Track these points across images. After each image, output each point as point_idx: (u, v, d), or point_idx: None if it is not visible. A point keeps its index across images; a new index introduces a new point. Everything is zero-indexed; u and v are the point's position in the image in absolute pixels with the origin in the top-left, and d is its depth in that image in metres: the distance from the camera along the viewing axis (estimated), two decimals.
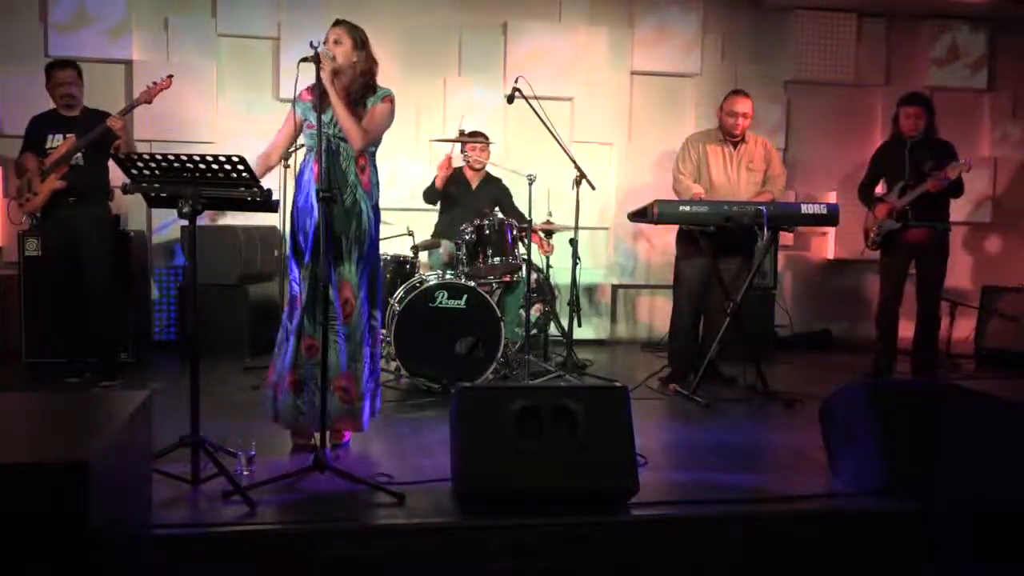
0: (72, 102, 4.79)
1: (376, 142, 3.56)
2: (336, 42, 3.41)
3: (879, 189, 5.44)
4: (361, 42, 3.47)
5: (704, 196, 4.92)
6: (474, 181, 5.58)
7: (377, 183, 3.60)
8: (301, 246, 3.43)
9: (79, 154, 4.67)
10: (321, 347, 3.14)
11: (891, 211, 5.15)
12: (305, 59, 3.19)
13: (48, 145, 4.73)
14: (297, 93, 3.43)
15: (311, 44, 3.22)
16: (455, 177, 5.62)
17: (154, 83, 4.58)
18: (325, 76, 3.27)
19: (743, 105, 4.93)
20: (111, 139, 4.60)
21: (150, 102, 4.63)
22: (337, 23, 3.50)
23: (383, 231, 5.69)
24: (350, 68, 3.43)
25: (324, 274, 3.14)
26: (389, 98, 3.55)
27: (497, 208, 5.13)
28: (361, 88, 3.48)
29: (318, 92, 3.18)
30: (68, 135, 4.71)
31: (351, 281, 3.43)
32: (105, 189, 4.84)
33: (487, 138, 5.56)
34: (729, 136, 4.99)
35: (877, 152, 5.45)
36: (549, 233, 5.29)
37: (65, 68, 4.80)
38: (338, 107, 3.36)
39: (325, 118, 3.30)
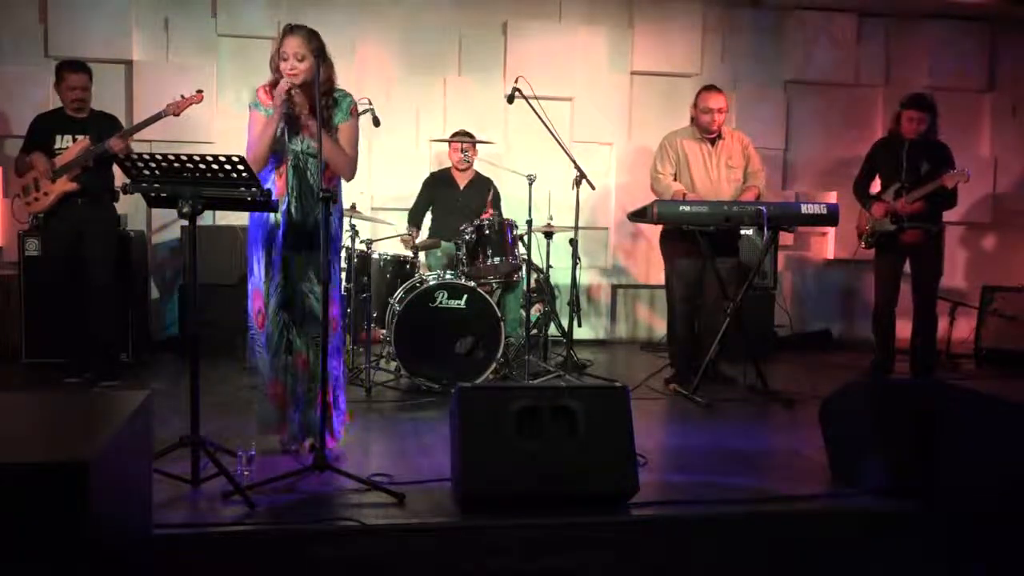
0: (82, 106, 4.79)
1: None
2: (300, 59, 3.23)
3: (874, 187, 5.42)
4: (320, 50, 3.24)
5: (685, 192, 4.90)
6: (462, 181, 5.58)
7: (340, 191, 3.53)
8: (259, 259, 3.37)
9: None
10: (321, 356, 3.13)
11: (887, 211, 5.13)
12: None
13: (57, 146, 4.72)
14: (256, 97, 3.36)
15: (288, 93, 3.20)
16: (442, 179, 5.62)
17: (183, 96, 4.50)
18: (305, 116, 3.27)
19: (716, 101, 4.88)
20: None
21: (178, 115, 4.57)
22: (292, 30, 3.28)
23: (383, 231, 5.77)
24: (312, 83, 3.22)
25: (325, 275, 3.14)
26: (354, 109, 3.43)
27: (483, 209, 5.09)
28: (324, 97, 3.28)
29: (283, 116, 3.20)
30: (79, 137, 4.71)
31: (334, 295, 3.44)
32: (112, 190, 4.84)
33: (473, 137, 5.56)
34: (705, 133, 4.95)
35: (873, 149, 5.42)
36: (549, 234, 5.28)
37: (78, 72, 4.77)
38: (331, 149, 3.29)
39: (297, 140, 3.32)
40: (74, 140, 4.71)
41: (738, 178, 4.99)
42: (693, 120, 4.99)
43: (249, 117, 3.39)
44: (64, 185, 4.67)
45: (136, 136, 4.92)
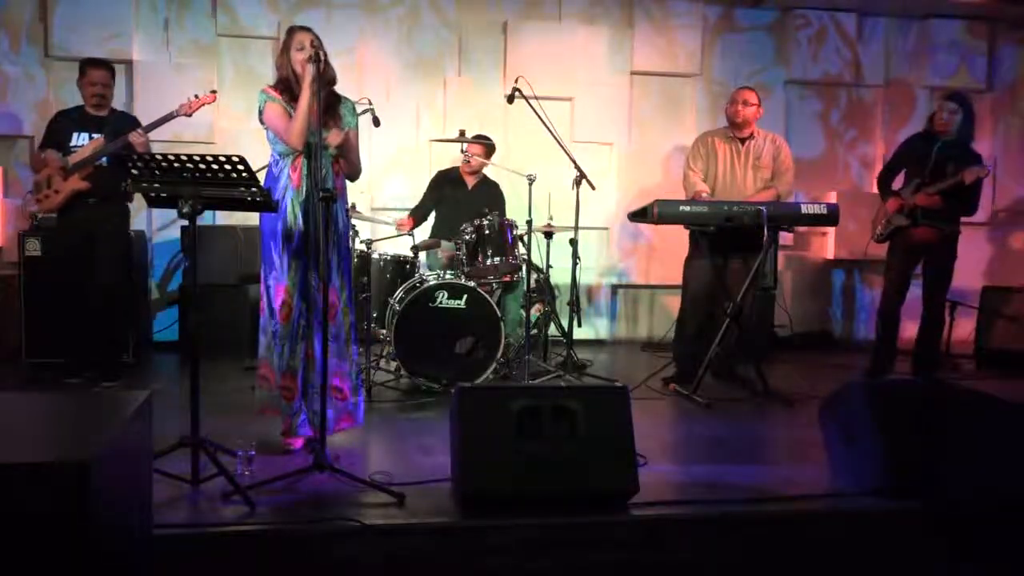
0: (102, 102, 4.78)
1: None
2: (315, 46, 3.31)
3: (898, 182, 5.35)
4: (324, 50, 3.38)
5: (709, 192, 4.92)
6: (470, 182, 5.57)
7: (345, 186, 3.64)
8: (275, 251, 3.41)
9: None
10: (322, 350, 3.15)
11: (901, 206, 5.09)
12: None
13: (72, 143, 4.70)
14: (267, 95, 3.43)
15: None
16: (451, 177, 5.62)
17: (196, 96, 4.50)
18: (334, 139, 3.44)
19: (744, 94, 4.97)
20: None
21: (190, 115, 4.55)
22: (300, 28, 3.43)
23: (383, 231, 5.76)
24: (323, 74, 3.32)
25: (325, 275, 3.14)
26: (356, 113, 3.60)
27: (485, 210, 5.08)
28: (329, 93, 3.45)
29: (319, 117, 3.21)
30: (95, 136, 4.69)
31: (335, 283, 3.47)
32: (126, 191, 4.83)
33: (487, 139, 5.56)
34: (733, 127, 4.99)
35: (905, 143, 5.34)
36: (549, 234, 5.28)
37: (100, 68, 4.78)
38: (354, 152, 3.52)
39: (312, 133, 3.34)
40: (90, 138, 4.70)
41: (766, 178, 5.01)
42: (727, 117, 5.08)
43: (266, 113, 3.43)
44: (75, 184, 4.66)
45: None
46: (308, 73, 3.27)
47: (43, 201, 4.71)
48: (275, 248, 3.41)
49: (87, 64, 4.81)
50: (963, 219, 5.15)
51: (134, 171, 2.97)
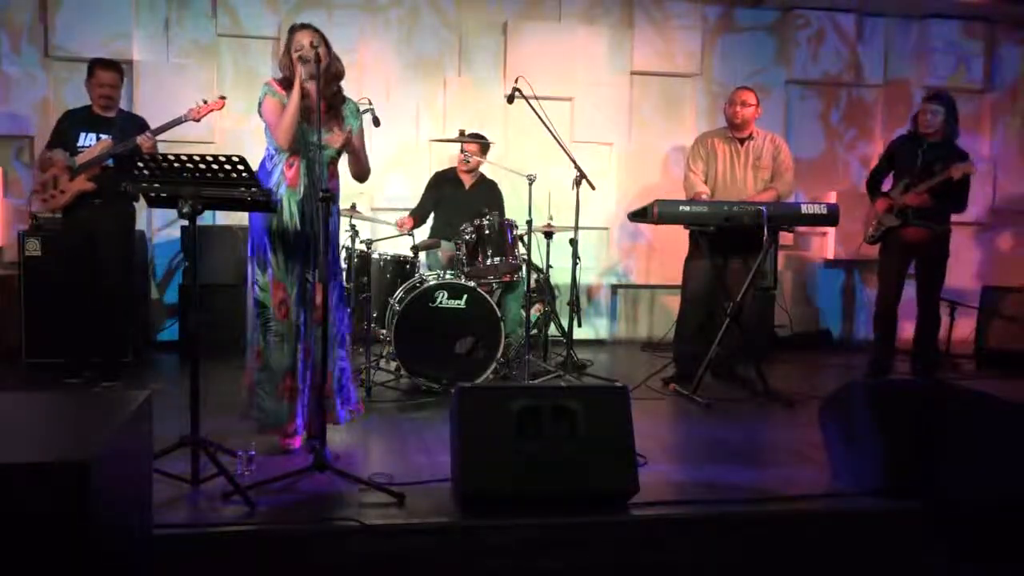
0: (109, 104, 4.76)
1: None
2: (315, 45, 3.26)
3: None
4: (328, 45, 3.39)
5: (709, 193, 4.93)
6: (467, 181, 5.57)
7: (339, 188, 3.64)
8: (269, 249, 3.40)
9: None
10: (322, 349, 3.15)
11: (890, 207, 5.12)
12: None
13: (80, 143, 4.69)
14: (269, 86, 3.42)
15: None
16: (448, 177, 5.62)
17: (204, 101, 4.48)
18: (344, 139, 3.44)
19: (743, 94, 4.97)
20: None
21: (198, 121, 4.53)
22: (301, 26, 3.40)
23: (383, 231, 5.77)
24: (326, 71, 3.32)
25: (324, 276, 3.14)
26: (359, 114, 3.60)
27: (485, 209, 5.08)
28: (334, 92, 3.47)
29: (318, 116, 3.20)
30: (102, 136, 4.68)
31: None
32: (125, 191, 4.81)
33: (482, 137, 5.55)
34: (732, 128, 5.00)
35: (892, 144, 5.38)
36: (549, 234, 5.28)
37: (109, 69, 4.76)
38: (362, 153, 3.54)
39: (312, 132, 3.33)
40: (98, 139, 4.69)
41: (766, 179, 5.01)
42: (726, 118, 5.08)
43: (263, 105, 3.41)
44: (80, 184, 4.65)
45: None
46: (298, 73, 3.28)
47: (48, 201, 4.71)
48: (270, 245, 3.39)
49: (96, 65, 4.79)
50: (962, 220, 5.17)
51: (135, 171, 2.98)
